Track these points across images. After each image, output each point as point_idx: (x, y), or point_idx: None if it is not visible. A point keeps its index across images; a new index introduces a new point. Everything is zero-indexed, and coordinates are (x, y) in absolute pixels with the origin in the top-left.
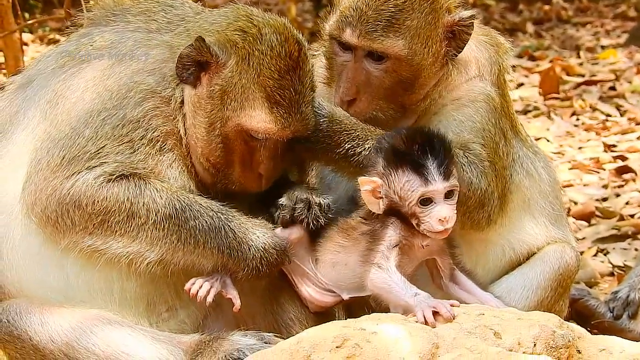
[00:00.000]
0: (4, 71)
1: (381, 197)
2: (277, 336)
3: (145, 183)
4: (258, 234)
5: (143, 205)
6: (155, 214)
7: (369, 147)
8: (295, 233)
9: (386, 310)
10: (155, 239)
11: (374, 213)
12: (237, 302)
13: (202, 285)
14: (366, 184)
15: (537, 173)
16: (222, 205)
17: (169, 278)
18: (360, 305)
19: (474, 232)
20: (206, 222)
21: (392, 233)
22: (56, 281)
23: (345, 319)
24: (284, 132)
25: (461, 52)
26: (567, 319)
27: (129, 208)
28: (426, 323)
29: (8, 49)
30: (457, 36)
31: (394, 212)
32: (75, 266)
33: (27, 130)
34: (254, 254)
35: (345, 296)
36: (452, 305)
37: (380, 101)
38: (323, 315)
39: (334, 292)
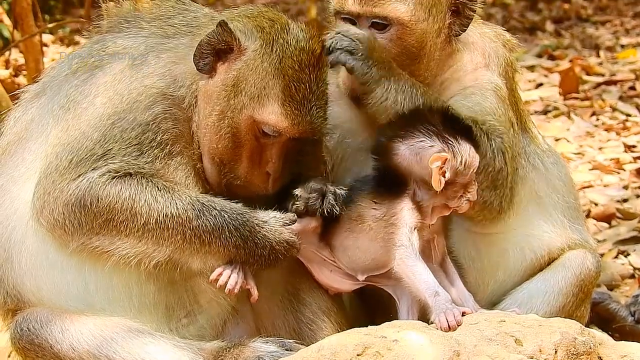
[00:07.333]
0: (25, 72)
1: (444, 173)
2: (298, 343)
3: (148, 181)
4: (265, 228)
5: (145, 202)
6: (158, 213)
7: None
8: (312, 223)
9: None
10: (160, 239)
11: (385, 196)
12: (255, 293)
13: (229, 276)
14: (437, 160)
15: (545, 167)
16: (227, 201)
17: (187, 282)
18: (375, 299)
19: (484, 219)
20: (210, 221)
21: (408, 216)
22: (75, 287)
23: (367, 326)
24: (293, 129)
25: (465, 30)
26: (588, 323)
27: (132, 206)
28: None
29: (28, 52)
30: (461, 13)
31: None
32: (93, 271)
33: (41, 137)
34: (262, 250)
35: (361, 277)
36: (463, 314)
37: None
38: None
39: (350, 274)
